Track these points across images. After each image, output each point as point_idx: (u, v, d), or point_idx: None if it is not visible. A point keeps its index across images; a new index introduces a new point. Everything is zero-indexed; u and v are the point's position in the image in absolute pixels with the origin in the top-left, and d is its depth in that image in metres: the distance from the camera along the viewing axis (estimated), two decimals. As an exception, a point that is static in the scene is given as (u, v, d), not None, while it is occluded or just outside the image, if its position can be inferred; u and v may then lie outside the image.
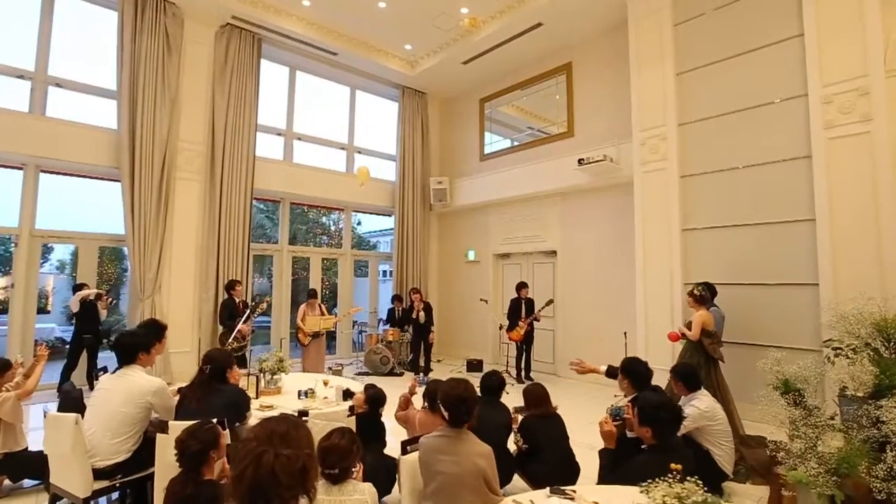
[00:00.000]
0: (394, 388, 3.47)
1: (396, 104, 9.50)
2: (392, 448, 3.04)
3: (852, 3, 4.45)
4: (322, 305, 6.85)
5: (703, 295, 4.49)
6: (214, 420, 2.08)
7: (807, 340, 4.63)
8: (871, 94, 4.31)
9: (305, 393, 3.22)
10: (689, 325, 4.50)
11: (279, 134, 8.13)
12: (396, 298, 8.26)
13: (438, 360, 8.06)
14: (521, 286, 7.16)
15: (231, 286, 5.74)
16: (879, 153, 4.24)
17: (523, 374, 7.04)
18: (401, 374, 7.43)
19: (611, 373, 3.50)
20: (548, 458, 2.96)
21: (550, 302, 6.93)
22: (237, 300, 5.43)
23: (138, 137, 6.12)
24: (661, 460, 1.99)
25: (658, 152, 5.80)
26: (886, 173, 4.20)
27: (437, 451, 1.90)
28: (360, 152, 9.18)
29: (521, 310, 7.03)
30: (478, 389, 2.72)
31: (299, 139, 8.34)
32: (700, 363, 4.28)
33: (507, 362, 7.35)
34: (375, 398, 3.04)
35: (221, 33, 6.95)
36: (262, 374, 3.39)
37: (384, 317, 8.67)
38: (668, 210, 5.66)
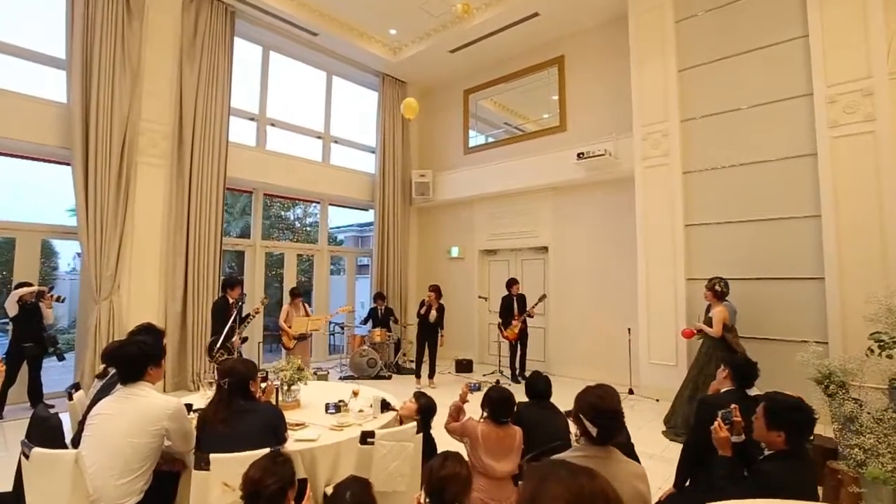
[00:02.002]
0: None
1: (375, 93, 9.03)
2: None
3: (856, 6, 4.58)
4: (306, 305, 6.31)
5: (723, 290, 4.48)
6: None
7: (812, 333, 4.73)
8: (874, 96, 4.45)
9: (336, 406, 2.80)
10: (707, 322, 4.49)
11: (251, 119, 7.44)
12: (379, 297, 7.82)
13: (423, 361, 7.67)
14: (512, 283, 6.96)
15: (230, 284, 5.04)
16: (883, 152, 4.39)
17: (517, 373, 6.85)
18: (389, 378, 7.02)
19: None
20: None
21: (543, 297, 6.79)
22: (231, 301, 4.78)
23: (93, 114, 5.31)
24: (795, 468, 1.81)
25: (660, 148, 5.79)
26: (890, 171, 4.35)
27: (585, 475, 1.58)
28: (336, 142, 8.63)
29: (514, 307, 6.84)
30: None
31: (273, 125, 7.68)
32: (723, 358, 4.25)
33: (500, 361, 7.14)
34: (428, 408, 2.69)
35: (190, 2, 6.20)
36: (280, 387, 2.92)
37: (363, 316, 8.19)
38: (671, 206, 5.65)
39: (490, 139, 8.58)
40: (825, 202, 4.68)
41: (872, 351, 3.19)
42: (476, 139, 8.78)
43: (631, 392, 5.73)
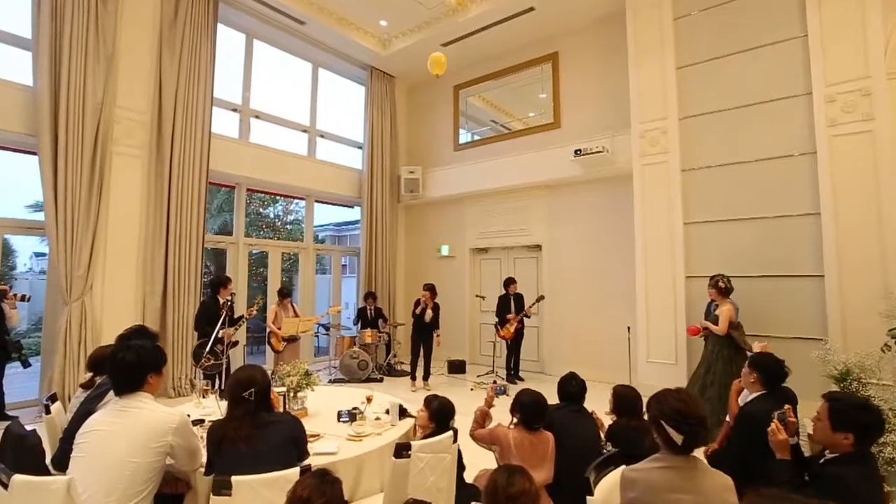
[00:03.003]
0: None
1: (363, 87, 8.77)
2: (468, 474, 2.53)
3: (854, 7, 4.63)
4: (294, 305, 6.01)
5: (728, 287, 4.45)
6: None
7: (811, 330, 4.78)
8: (872, 95, 4.51)
9: (350, 414, 2.58)
10: (714, 321, 4.45)
11: (234, 110, 7.07)
12: (369, 296, 7.56)
13: (404, 362, 7.47)
14: (510, 282, 6.84)
15: (220, 283, 4.69)
16: (881, 151, 4.45)
17: (512, 373, 6.73)
18: (380, 380, 6.79)
19: None
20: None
21: (541, 298, 6.68)
22: (221, 301, 4.45)
23: (63, 99, 4.88)
24: (865, 472, 1.71)
25: (658, 145, 5.76)
26: (888, 170, 4.41)
27: (671, 488, 1.42)
28: (322, 136, 8.32)
29: (511, 306, 6.71)
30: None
31: (257, 117, 7.33)
32: (731, 356, 4.22)
33: (494, 362, 7.00)
34: (443, 411, 2.42)
35: (170, -17, 5.81)
36: (287, 394, 2.67)
37: (351, 317, 7.92)
38: (670, 203, 5.63)
39: (480, 136, 8.45)
40: (824, 200, 4.72)
41: (889, 347, 3.18)
42: (466, 136, 8.63)
43: (630, 391, 5.67)
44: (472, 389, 6.20)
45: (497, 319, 6.73)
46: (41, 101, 4.80)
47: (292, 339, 5.61)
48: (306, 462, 1.81)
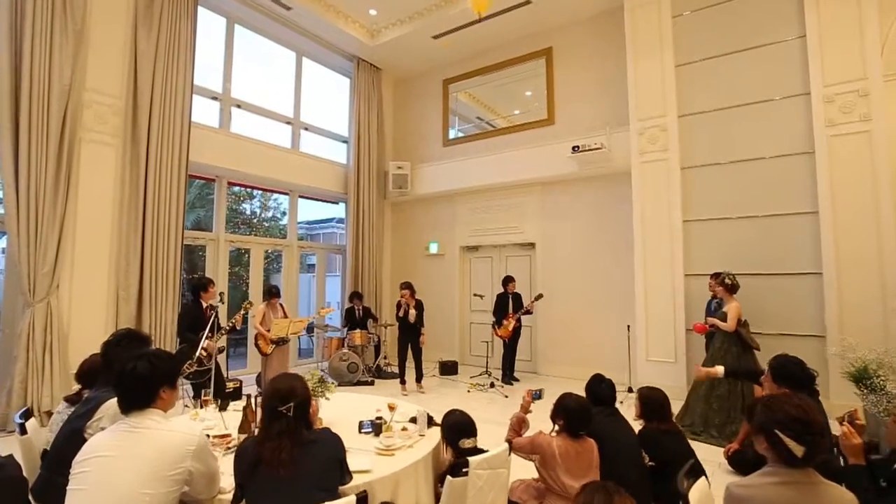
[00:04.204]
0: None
1: (347, 79, 8.47)
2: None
3: (852, 9, 4.71)
4: (283, 306, 5.67)
5: (735, 284, 4.44)
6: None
7: (809, 327, 4.84)
8: (870, 96, 4.60)
9: (374, 425, 2.34)
10: (721, 317, 4.42)
11: (214, 98, 6.64)
12: (356, 296, 7.27)
13: (407, 365, 7.21)
14: (508, 280, 6.70)
15: (202, 286, 4.33)
16: (879, 151, 4.55)
17: (509, 373, 6.60)
18: (371, 383, 6.52)
19: (730, 374, 3.10)
20: (677, 474, 2.51)
21: (540, 297, 6.54)
22: (205, 305, 4.09)
23: (26, 79, 4.41)
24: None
25: (657, 143, 5.74)
26: (885, 170, 4.50)
27: (789, 507, 1.28)
28: (307, 129, 7.96)
29: (509, 305, 6.57)
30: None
31: (238, 107, 6.91)
32: (739, 353, 4.20)
33: (488, 362, 6.84)
34: (458, 426, 2.18)
35: (146, -43, 5.37)
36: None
37: (336, 317, 7.61)
38: (669, 201, 5.62)
39: (472, 131, 8.28)
40: (823, 199, 4.79)
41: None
42: (456, 132, 8.44)
43: (630, 391, 5.62)
44: (468, 391, 6.02)
45: (494, 319, 6.57)
46: (0, 81, 4.31)
47: (282, 342, 5.27)
48: (351, 483, 1.58)
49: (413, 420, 2.46)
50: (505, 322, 6.45)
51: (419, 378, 6.12)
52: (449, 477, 1.63)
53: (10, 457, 1.79)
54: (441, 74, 8.49)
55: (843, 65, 4.74)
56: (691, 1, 5.64)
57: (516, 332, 6.51)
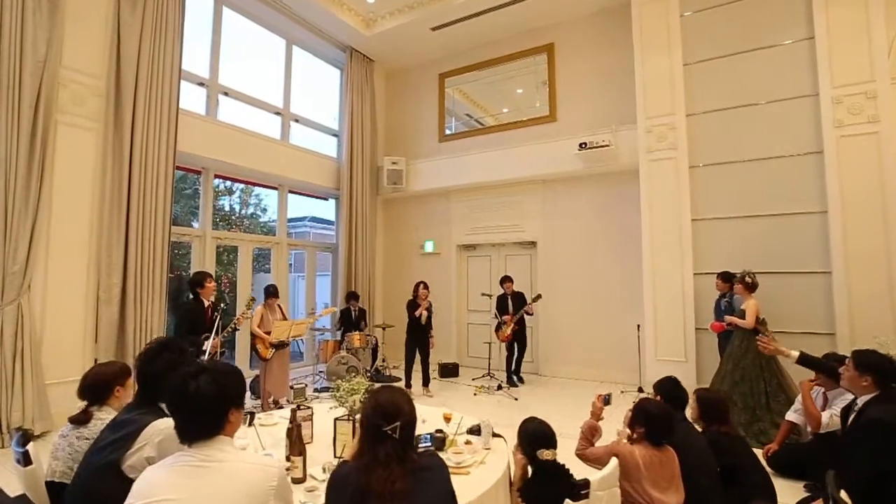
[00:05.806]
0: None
1: (338, 71, 8.15)
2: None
3: (859, 10, 4.80)
4: (282, 307, 5.31)
5: (755, 282, 4.43)
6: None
7: (819, 325, 4.90)
8: (878, 98, 4.69)
9: (436, 439, 2.10)
10: (741, 315, 4.40)
11: (201, 84, 6.18)
12: (352, 297, 6.95)
13: (395, 367, 6.96)
14: (506, 280, 6.54)
15: (197, 281, 3.94)
16: (887, 152, 4.63)
17: (515, 375, 6.44)
18: (370, 387, 6.21)
19: (805, 360, 3.01)
20: (745, 480, 2.40)
21: (538, 297, 6.41)
22: (206, 303, 3.71)
23: (-6, 52, 3.91)
24: None
25: (666, 141, 5.71)
26: (893, 171, 4.59)
27: None
28: (297, 121, 7.57)
29: (509, 306, 6.41)
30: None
31: (226, 94, 6.47)
32: (759, 351, 4.17)
33: (489, 363, 6.65)
34: (538, 437, 1.93)
35: (130, -74, 4.90)
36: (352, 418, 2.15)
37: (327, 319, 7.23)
38: (678, 200, 5.59)
39: (468, 127, 8.10)
40: (831, 199, 4.85)
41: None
42: (453, 130, 8.23)
43: (640, 391, 5.57)
44: (475, 394, 5.82)
45: (497, 320, 6.39)
46: (-35, 52, 3.81)
47: (281, 346, 4.93)
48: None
49: (473, 431, 2.24)
50: (504, 325, 6.26)
51: (426, 382, 5.87)
52: (568, 501, 1.43)
53: (24, 497, 1.45)
54: (437, 68, 8.26)
55: (851, 67, 4.82)
56: (699, 0, 5.64)
57: (519, 332, 6.35)
